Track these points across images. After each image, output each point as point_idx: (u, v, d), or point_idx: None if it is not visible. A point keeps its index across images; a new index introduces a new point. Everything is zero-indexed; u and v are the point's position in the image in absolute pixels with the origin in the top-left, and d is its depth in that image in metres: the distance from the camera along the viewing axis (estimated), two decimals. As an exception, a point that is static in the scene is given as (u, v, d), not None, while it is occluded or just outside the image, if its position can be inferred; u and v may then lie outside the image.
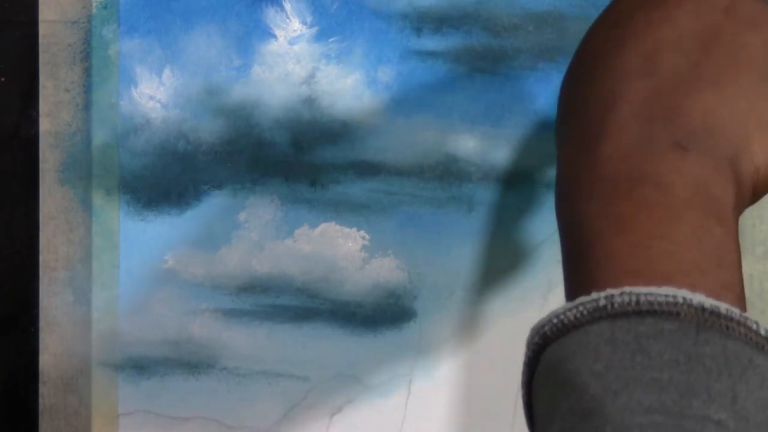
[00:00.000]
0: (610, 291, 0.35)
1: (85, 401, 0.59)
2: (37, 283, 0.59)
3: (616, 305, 0.34)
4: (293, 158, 0.59)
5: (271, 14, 0.59)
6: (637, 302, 0.34)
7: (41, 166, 0.59)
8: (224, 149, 0.59)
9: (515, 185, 0.60)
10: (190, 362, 0.60)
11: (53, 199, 0.59)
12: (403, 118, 0.60)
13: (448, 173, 0.60)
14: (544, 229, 0.61)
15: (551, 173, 0.60)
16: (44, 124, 0.59)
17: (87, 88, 0.59)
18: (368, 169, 0.60)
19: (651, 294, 0.34)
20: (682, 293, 0.34)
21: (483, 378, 0.61)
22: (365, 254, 0.60)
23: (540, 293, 0.61)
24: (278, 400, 0.60)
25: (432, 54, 0.60)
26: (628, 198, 0.37)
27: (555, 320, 0.36)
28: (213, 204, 0.59)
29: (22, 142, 0.59)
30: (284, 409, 0.60)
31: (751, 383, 0.33)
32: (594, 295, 0.35)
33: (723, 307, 0.34)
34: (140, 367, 0.59)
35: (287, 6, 0.59)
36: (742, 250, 0.62)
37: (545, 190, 0.60)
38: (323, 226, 0.60)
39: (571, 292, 0.38)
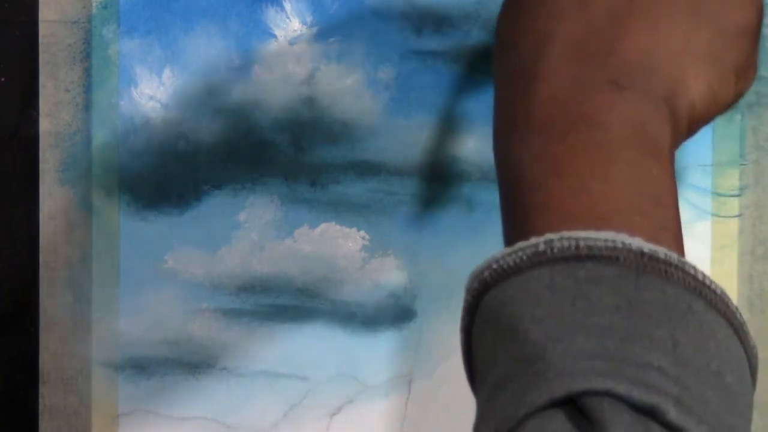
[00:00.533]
0: (548, 236, 0.34)
1: (85, 401, 0.59)
2: (37, 283, 0.59)
3: (555, 250, 0.34)
4: (293, 158, 0.59)
5: (271, 14, 0.59)
6: (577, 247, 0.34)
7: (41, 166, 0.59)
8: (224, 149, 0.59)
9: (515, 185, 0.60)
10: (190, 362, 0.60)
11: (53, 199, 0.59)
12: (403, 118, 0.60)
13: (448, 173, 0.60)
14: (544, 229, 0.61)
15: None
16: (44, 124, 0.59)
17: (87, 88, 0.59)
18: (368, 169, 0.60)
19: (590, 239, 0.34)
20: (621, 237, 0.33)
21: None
22: (365, 254, 0.60)
23: (540, 293, 0.61)
24: (278, 400, 0.60)
25: (432, 54, 0.60)
26: (563, 140, 0.36)
27: (494, 265, 0.36)
28: (213, 204, 0.59)
29: (22, 142, 0.59)
30: (284, 409, 0.60)
31: (690, 329, 0.32)
32: (533, 240, 0.35)
33: (661, 251, 0.33)
34: (140, 367, 0.59)
35: (287, 6, 0.59)
36: (742, 250, 0.62)
37: (545, 190, 0.60)
38: (323, 226, 0.60)
39: (510, 237, 0.38)
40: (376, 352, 0.60)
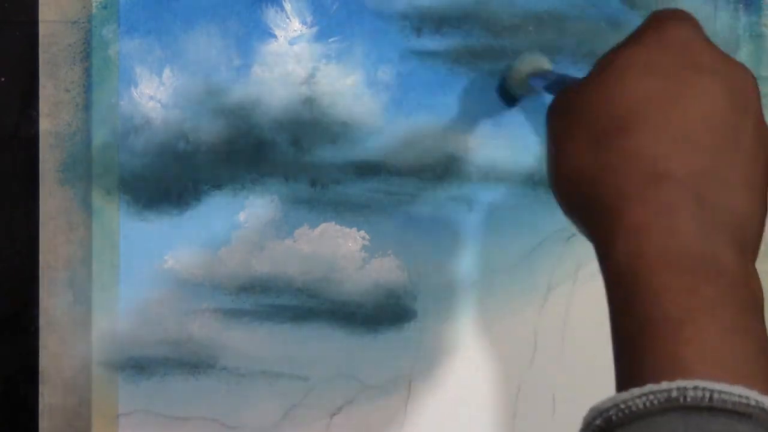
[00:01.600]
0: (681, 383, 0.34)
1: (85, 401, 0.59)
2: (37, 283, 0.59)
3: (689, 399, 0.34)
4: (293, 158, 0.59)
5: (271, 14, 0.59)
6: (710, 399, 0.33)
7: (41, 166, 0.59)
8: (224, 149, 0.59)
9: (515, 185, 0.60)
10: (190, 362, 0.60)
11: (53, 199, 0.59)
12: (403, 118, 0.60)
13: (448, 173, 0.60)
14: (543, 228, 0.61)
15: (551, 173, 0.60)
16: (44, 124, 0.59)
17: (87, 88, 0.59)
18: (368, 169, 0.60)
19: (725, 392, 0.34)
20: (755, 395, 0.34)
21: (483, 378, 0.61)
22: (365, 254, 0.60)
23: (540, 293, 0.61)
24: (278, 400, 0.60)
25: (432, 54, 0.60)
26: (714, 284, 0.37)
27: (623, 406, 0.35)
28: (213, 204, 0.59)
29: (22, 142, 0.59)
30: (284, 409, 0.60)
31: None
32: (665, 385, 0.34)
33: None
34: (140, 367, 0.59)
35: (287, 6, 0.59)
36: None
37: (545, 190, 0.60)
38: (323, 226, 0.60)
39: (633, 369, 0.37)
40: (376, 352, 0.60)
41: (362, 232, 0.60)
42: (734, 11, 0.60)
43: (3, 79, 0.59)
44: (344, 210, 0.60)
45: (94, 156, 0.59)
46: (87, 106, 0.59)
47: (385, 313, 0.60)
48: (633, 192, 0.38)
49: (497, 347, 0.61)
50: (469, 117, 0.60)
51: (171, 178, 0.59)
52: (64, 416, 0.59)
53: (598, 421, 0.36)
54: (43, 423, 0.59)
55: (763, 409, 0.33)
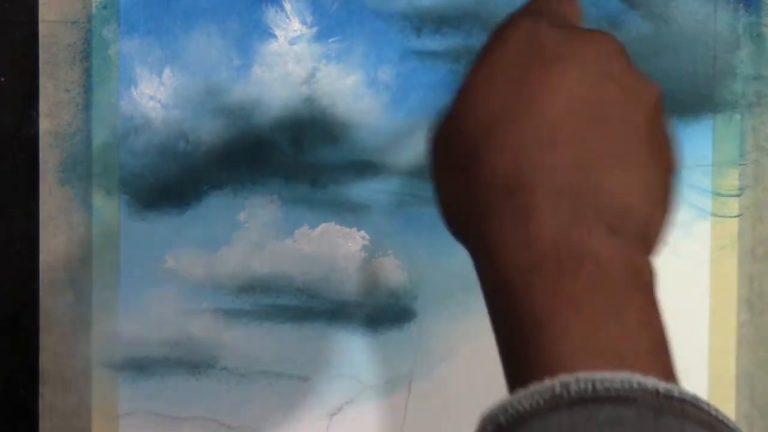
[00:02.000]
0: (564, 377, 0.34)
1: (85, 401, 0.59)
2: (37, 283, 0.59)
3: (572, 392, 0.34)
4: (293, 158, 0.59)
5: (271, 14, 0.59)
6: (594, 389, 0.34)
7: (41, 166, 0.59)
8: (224, 149, 0.59)
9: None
10: (190, 362, 0.60)
11: (53, 199, 0.59)
12: (403, 118, 0.60)
13: (448, 173, 0.60)
14: (544, 229, 0.61)
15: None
16: (44, 124, 0.59)
17: (87, 88, 0.59)
18: (368, 169, 0.60)
19: (606, 380, 0.34)
20: (637, 378, 0.34)
21: (483, 378, 0.61)
22: (365, 254, 0.60)
23: (540, 293, 0.61)
24: (278, 400, 0.60)
25: (432, 54, 0.60)
26: (577, 277, 0.37)
27: (510, 410, 0.35)
28: (213, 204, 0.59)
29: (22, 142, 0.59)
30: (284, 409, 0.60)
31: None
32: (548, 382, 0.35)
33: (675, 389, 0.34)
34: (140, 367, 0.59)
35: (287, 6, 0.59)
36: (741, 250, 0.62)
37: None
38: (323, 226, 0.60)
39: (519, 371, 0.38)
40: (376, 352, 0.60)
41: (362, 232, 0.60)
42: (734, 11, 0.60)
43: (3, 79, 0.59)
44: (344, 210, 0.60)
45: (94, 156, 0.59)
46: (87, 106, 0.59)
47: (385, 313, 0.60)
48: (491, 212, 0.39)
49: (497, 347, 0.61)
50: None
51: (171, 178, 0.59)
52: (64, 416, 0.59)
53: (489, 428, 0.36)
54: (43, 423, 0.59)
55: (646, 390, 0.33)
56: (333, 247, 0.60)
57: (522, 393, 0.35)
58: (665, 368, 0.36)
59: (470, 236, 0.41)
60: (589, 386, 0.34)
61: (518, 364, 0.38)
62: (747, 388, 0.60)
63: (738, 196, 0.60)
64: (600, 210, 0.38)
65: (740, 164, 0.60)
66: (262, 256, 0.60)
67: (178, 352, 0.60)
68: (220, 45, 0.59)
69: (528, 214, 0.38)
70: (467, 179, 0.40)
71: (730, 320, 0.61)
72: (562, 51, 0.39)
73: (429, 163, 0.42)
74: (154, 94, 0.59)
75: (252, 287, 0.60)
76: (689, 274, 0.60)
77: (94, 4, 0.59)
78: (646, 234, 0.39)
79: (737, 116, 0.60)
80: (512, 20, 0.41)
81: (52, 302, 0.59)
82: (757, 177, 0.60)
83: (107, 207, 0.59)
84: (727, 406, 0.60)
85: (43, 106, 0.59)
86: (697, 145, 0.60)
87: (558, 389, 0.34)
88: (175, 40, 0.59)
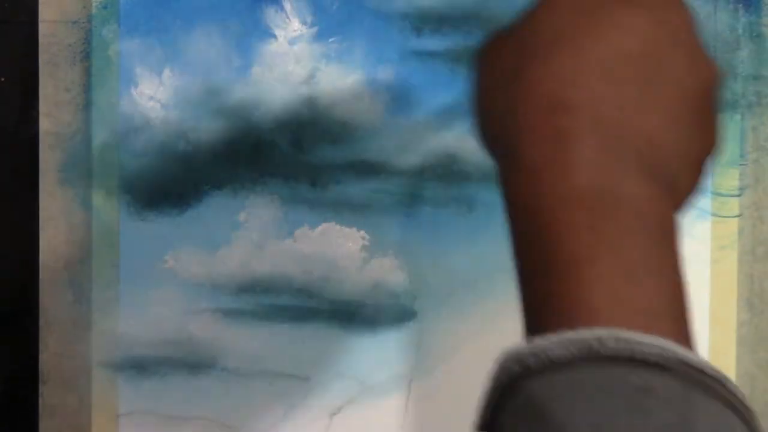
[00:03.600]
0: (600, 332, 0.33)
1: (85, 401, 0.59)
2: (37, 283, 0.59)
3: (609, 350, 0.33)
4: (293, 158, 0.59)
5: (271, 14, 0.59)
6: (631, 351, 0.33)
7: (41, 166, 0.59)
8: (224, 149, 0.59)
9: (515, 185, 0.60)
10: (190, 362, 0.60)
11: (53, 199, 0.59)
12: (403, 118, 0.60)
13: (448, 173, 0.60)
14: (544, 229, 0.61)
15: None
16: (44, 124, 0.59)
17: (87, 88, 0.59)
18: (368, 169, 0.60)
19: (645, 344, 0.33)
20: (673, 348, 0.33)
21: (483, 378, 0.61)
22: (365, 254, 0.60)
23: (540, 293, 0.61)
24: (278, 400, 0.60)
25: (432, 54, 0.60)
26: (614, 218, 0.35)
27: (540, 354, 0.34)
28: (213, 204, 0.59)
29: (22, 142, 0.59)
30: (284, 409, 0.60)
31: None
32: (582, 333, 0.34)
33: (707, 366, 0.33)
34: (140, 367, 0.59)
35: (287, 6, 0.59)
36: (742, 250, 0.62)
37: (545, 190, 0.60)
38: (323, 226, 0.60)
39: (545, 312, 0.36)
40: (376, 352, 0.60)
41: (362, 232, 0.60)
42: (734, 11, 0.60)
43: (3, 79, 0.59)
44: (344, 210, 0.60)
45: (94, 156, 0.59)
46: (87, 106, 0.59)
47: (385, 313, 0.60)
48: (529, 125, 0.37)
49: (497, 347, 0.61)
50: (469, 117, 0.60)
51: (171, 178, 0.59)
52: (64, 416, 0.59)
53: (516, 368, 0.35)
54: (43, 423, 0.59)
55: (681, 362, 0.33)
56: (333, 247, 0.60)
57: (554, 339, 0.34)
58: (691, 334, 0.35)
59: (502, 152, 0.39)
60: (627, 347, 0.33)
61: (546, 303, 0.36)
62: (747, 388, 0.60)
63: (738, 196, 0.60)
64: (641, 154, 0.37)
65: (740, 164, 0.60)
66: (262, 256, 0.60)
67: (178, 352, 0.60)
68: (220, 45, 0.59)
69: (568, 139, 0.36)
70: (511, 93, 0.38)
71: (730, 320, 0.61)
72: (643, 1, 0.39)
73: (471, 76, 0.41)
74: (154, 94, 0.59)
75: (252, 287, 0.60)
76: (689, 274, 0.60)
77: (94, 4, 0.59)
78: (677, 193, 0.38)
79: (737, 116, 0.60)
80: None
81: (52, 302, 0.59)
82: (757, 177, 0.60)
83: (107, 207, 0.59)
84: (727, 406, 0.60)
85: (43, 106, 0.59)
86: (697, 145, 0.60)
87: (594, 343, 0.33)
88: (175, 40, 0.59)
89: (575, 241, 0.35)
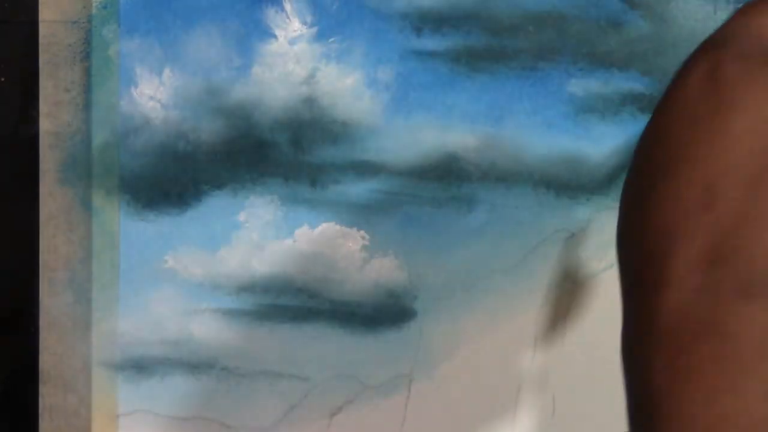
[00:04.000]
0: None
1: (85, 401, 0.59)
2: (37, 283, 0.59)
3: None
4: (293, 158, 0.59)
5: (271, 14, 0.59)
6: None
7: (41, 166, 0.59)
8: (224, 149, 0.59)
9: (515, 185, 0.60)
10: (190, 362, 0.60)
11: (53, 199, 0.59)
12: (403, 118, 0.60)
13: (448, 173, 0.60)
14: (543, 229, 0.61)
15: (551, 173, 0.60)
16: (44, 124, 0.59)
17: (87, 88, 0.59)
18: (368, 169, 0.60)
19: None
20: None
21: (483, 378, 0.61)
22: (365, 254, 0.60)
23: (540, 293, 0.61)
24: (278, 400, 0.60)
25: (432, 54, 0.60)
26: (696, 351, 0.35)
27: None
28: (213, 204, 0.59)
29: (22, 142, 0.59)
30: (284, 409, 0.60)
31: None
32: None
33: None
34: (140, 367, 0.59)
35: (287, 6, 0.59)
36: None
37: (545, 190, 0.60)
38: (323, 226, 0.60)
39: None
40: (376, 352, 0.60)
41: (362, 232, 0.60)
42: (734, 11, 0.60)
43: (3, 79, 0.59)
44: (344, 210, 0.60)
45: (94, 156, 0.59)
46: (87, 106, 0.59)
47: (385, 313, 0.60)
48: (631, 276, 0.38)
49: (497, 347, 0.61)
50: (469, 117, 0.60)
51: (171, 178, 0.59)
52: (64, 416, 0.59)
53: None
54: (43, 423, 0.59)
55: None
56: (333, 247, 0.60)
57: None
58: None
59: (622, 294, 0.40)
60: None
61: None
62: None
63: (738, 196, 0.60)
64: (737, 276, 0.36)
65: (740, 164, 0.60)
66: (262, 256, 0.60)
67: (178, 352, 0.60)
68: (220, 45, 0.59)
69: (658, 286, 0.36)
70: (626, 228, 0.39)
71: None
72: (738, 94, 0.37)
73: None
74: (154, 94, 0.59)
75: (252, 287, 0.60)
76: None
77: (94, 4, 0.59)
78: None
79: (737, 116, 0.60)
80: (694, 53, 0.40)
81: (52, 302, 0.59)
82: (757, 177, 0.60)
83: (107, 207, 0.59)
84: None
85: (43, 106, 0.59)
86: (697, 145, 0.60)
87: None
88: (175, 40, 0.59)
89: (652, 382, 0.36)
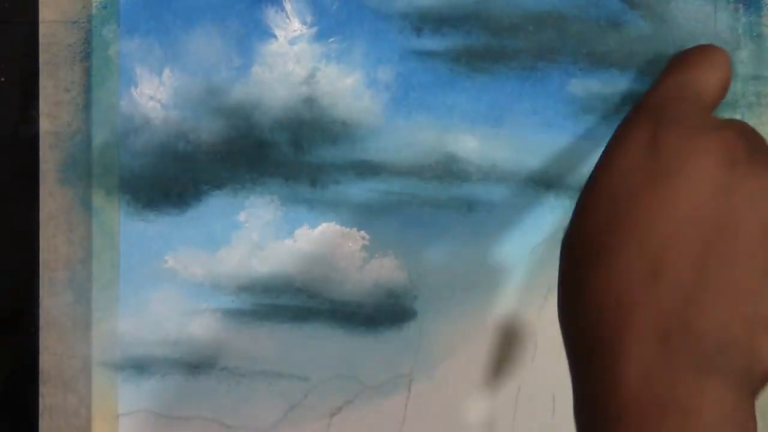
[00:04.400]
0: None
1: (85, 401, 0.59)
2: (37, 283, 0.59)
3: None
4: (293, 158, 0.59)
5: (271, 14, 0.59)
6: None
7: (41, 166, 0.59)
8: (224, 149, 0.59)
9: (515, 185, 0.60)
10: (190, 362, 0.60)
11: (53, 199, 0.59)
12: (403, 118, 0.60)
13: (448, 173, 0.60)
14: (543, 228, 0.61)
15: (551, 173, 0.60)
16: (44, 124, 0.59)
17: (87, 88, 0.59)
18: (368, 169, 0.60)
19: None
20: None
21: (483, 378, 0.61)
22: (365, 254, 0.60)
23: (540, 293, 0.61)
24: (278, 400, 0.60)
25: (432, 54, 0.60)
26: (659, 426, 0.35)
27: None
28: (213, 204, 0.59)
29: (22, 142, 0.59)
30: (284, 409, 0.60)
31: None
32: None
33: None
34: (140, 367, 0.59)
35: (287, 6, 0.59)
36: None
37: (545, 190, 0.60)
38: (323, 226, 0.60)
39: None
40: (376, 352, 0.60)
41: (362, 232, 0.60)
42: (734, 11, 0.60)
43: (3, 79, 0.59)
44: (344, 210, 0.60)
45: (94, 156, 0.59)
46: (87, 106, 0.59)
47: (385, 313, 0.60)
48: (584, 354, 0.39)
49: (497, 347, 0.61)
50: (469, 117, 0.60)
51: (171, 178, 0.59)
52: (64, 416, 0.59)
53: None
54: (43, 423, 0.59)
55: None
56: (333, 247, 0.60)
57: None
58: None
59: (572, 369, 0.40)
60: None
61: None
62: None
63: (738, 196, 0.60)
64: (689, 350, 0.36)
65: (740, 164, 0.60)
66: (262, 256, 0.60)
67: (178, 352, 0.60)
68: (220, 45, 0.59)
69: (617, 357, 0.36)
70: (572, 303, 0.38)
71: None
72: (675, 164, 0.37)
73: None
74: (154, 94, 0.59)
75: (252, 287, 0.60)
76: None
77: (94, 4, 0.59)
78: (748, 371, 0.36)
79: (737, 116, 0.60)
80: (632, 116, 0.39)
81: (52, 302, 0.59)
82: (757, 177, 0.60)
83: (107, 207, 0.59)
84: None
85: (43, 106, 0.59)
86: (697, 145, 0.60)
87: None
88: (175, 40, 0.59)
89: None
